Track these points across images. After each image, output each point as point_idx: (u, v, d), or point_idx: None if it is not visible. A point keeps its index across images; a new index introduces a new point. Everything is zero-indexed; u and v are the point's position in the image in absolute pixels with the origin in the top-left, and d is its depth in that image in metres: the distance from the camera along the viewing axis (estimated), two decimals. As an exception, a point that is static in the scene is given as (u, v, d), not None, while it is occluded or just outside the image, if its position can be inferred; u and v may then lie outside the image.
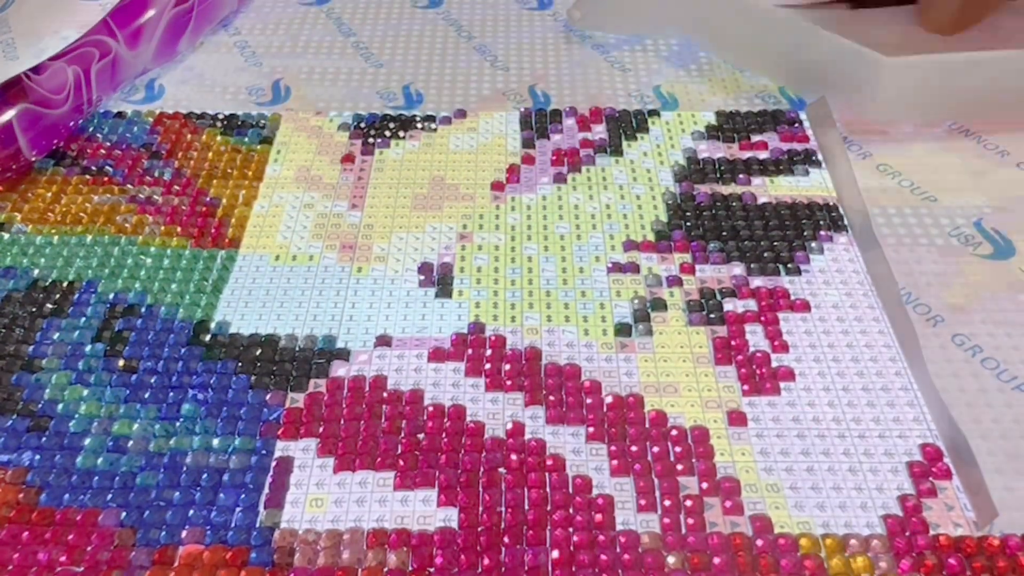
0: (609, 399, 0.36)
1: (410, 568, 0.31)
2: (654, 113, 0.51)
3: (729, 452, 0.35)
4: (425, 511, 0.33)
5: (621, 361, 0.38)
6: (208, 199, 0.45)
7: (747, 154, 0.48)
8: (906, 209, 0.45)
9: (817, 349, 0.38)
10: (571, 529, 0.32)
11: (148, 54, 0.50)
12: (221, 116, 0.50)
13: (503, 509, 0.33)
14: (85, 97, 0.47)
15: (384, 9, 0.60)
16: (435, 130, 0.50)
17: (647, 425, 0.35)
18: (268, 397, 0.36)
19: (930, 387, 0.36)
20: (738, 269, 0.42)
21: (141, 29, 0.50)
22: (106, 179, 0.46)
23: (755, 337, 0.39)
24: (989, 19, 0.49)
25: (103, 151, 0.48)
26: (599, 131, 0.50)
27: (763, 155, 0.48)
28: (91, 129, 0.49)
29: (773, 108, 0.51)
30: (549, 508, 0.33)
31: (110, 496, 0.33)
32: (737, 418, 0.36)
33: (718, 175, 0.47)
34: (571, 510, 0.33)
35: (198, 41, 0.55)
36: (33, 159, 0.45)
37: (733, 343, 0.38)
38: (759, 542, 0.32)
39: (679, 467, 0.34)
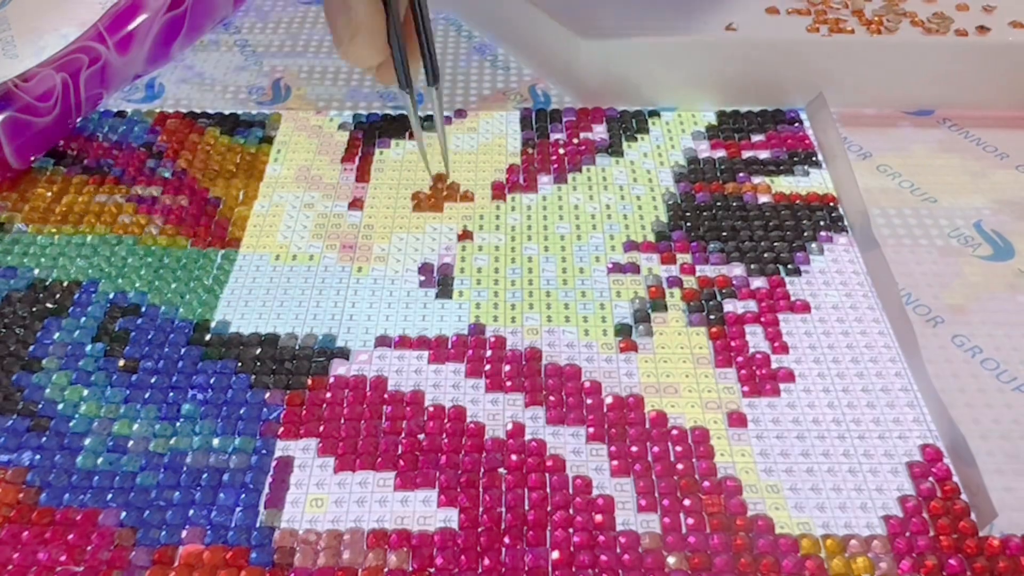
0: (609, 400, 0.36)
1: (410, 568, 0.31)
2: (654, 114, 0.51)
3: (729, 453, 0.35)
4: (425, 511, 0.33)
5: (621, 362, 0.38)
6: (208, 198, 0.45)
7: (747, 154, 0.48)
8: (906, 210, 0.45)
9: (817, 350, 0.38)
10: (571, 530, 0.32)
11: (139, 60, 0.50)
12: (221, 115, 0.50)
13: (503, 510, 0.33)
14: (73, 103, 0.46)
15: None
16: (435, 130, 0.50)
17: (647, 426, 0.35)
18: (268, 396, 0.36)
19: (930, 388, 0.36)
20: (738, 269, 0.42)
21: (132, 35, 0.49)
22: (107, 178, 0.46)
23: (755, 338, 0.39)
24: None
25: (103, 150, 0.48)
26: (599, 131, 0.50)
27: (763, 155, 0.48)
28: (91, 128, 0.49)
29: (773, 108, 0.51)
30: (549, 509, 0.33)
31: (110, 496, 0.33)
32: (737, 419, 0.36)
33: (718, 175, 0.47)
34: (571, 511, 0.33)
35: (191, 46, 0.54)
36: (16, 168, 0.45)
37: (733, 344, 0.38)
38: (760, 543, 0.32)
39: (679, 467, 0.34)
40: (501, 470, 0.34)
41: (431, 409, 0.36)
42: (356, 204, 0.45)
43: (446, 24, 0.58)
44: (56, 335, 0.39)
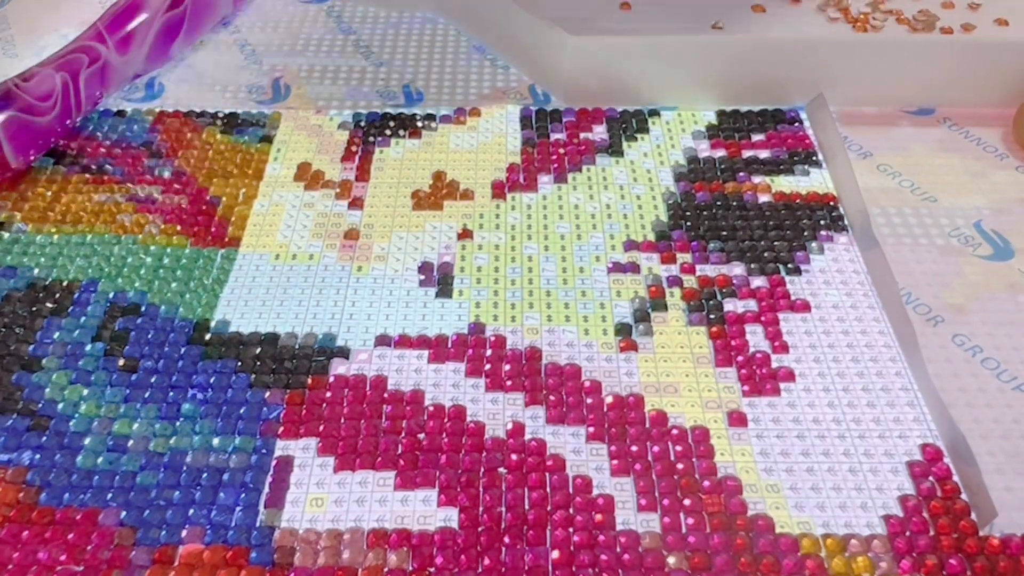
0: (609, 399, 0.36)
1: (410, 568, 0.31)
2: (654, 113, 0.51)
3: (729, 452, 0.35)
4: (425, 511, 0.33)
5: (621, 361, 0.38)
6: (208, 198, 0.45)
7: (747, 153, 0.48)
8: (906, 209, 0.45)
9: (817, 349, 0.38)
10: (571, 529, 0.32)
11: (139, 59, 0.50)
12: (221, 114, 0.50)
13: (503, 509, 0.33)
14: (73, 103, 0.46)
15: (384, 7, 0.60)
16: (435, 129, 0.50)
17: (647, 425, 0.35)
18: (268, 396, 0.36)
19: (930, 387, 0.36)
20: (738, 269, 0.42)
21: (132, 35, 0.49)
22: (106, 178, 0.46)
23: (755, 338, 0.39)
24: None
25: (103, 150, 0.48)
26: (599, 131, 0.50)
27: (763, 155, 0.48)
28: (91, 128, 0.49)
29: (773, 108, 0.51)
30: (549, 508, 0.33)
31: (110, 495, 0.33)
32: (737, 418, 0.36)
33: (718, 175, 0.47)
34: (571, 510, 0.33)
35: (191, 45, 0.54)
36: (16, 167, 0.45)
37: (733, 343, 0.38)
38: (760, 542, 0.32)
39: (679, 467, 0.34)
40: (501, 469, 0.34)
41: (431, 408, 0.36)
42: (356, 203, 0.45)
43: (445, 24, 0.58)
44: (56, 335, 0.38)
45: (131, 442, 0.35)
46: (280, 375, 0.37)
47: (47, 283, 0.41)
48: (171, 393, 0.36)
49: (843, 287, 0.41)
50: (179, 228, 0.43)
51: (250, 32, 0.57)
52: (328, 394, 0.36)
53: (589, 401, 0.36)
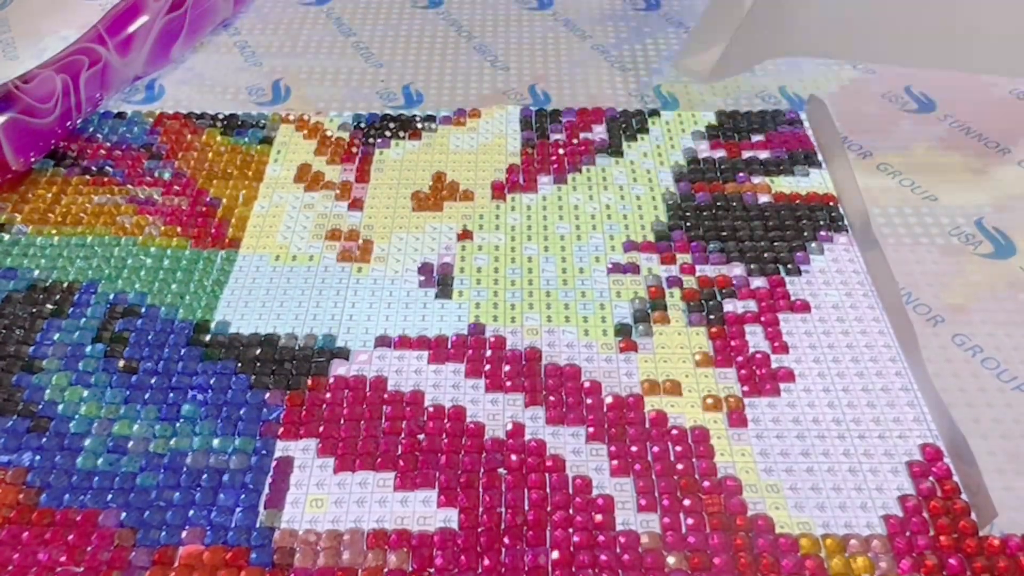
0: (609, 399, 0.36)
1: (410, 568, 0.31)
2: (654, 113, 0.51)
3: (729, 452, 0.35)
4: (425, 512, 0.33)
5: (621, 361, 0.38)
6: (208, 199, 0.45)
7: (747, 154, 0.48)
8: (906, 208, 0.45)
9: (817, 350, 0.38)
10: (571, 529, 0.32)
11: (139, 61, 0.50)
12: (221, 116, 0.50)
13: (503, 510, 0.33)
14: (73, 105, 0.47)
15: (384, 9, 0.60)
16: (435, 130, 0.50)
17: (647, 425, 0.35)
18: (268, 397, 0.36)
19: (930, 387, 0.36)
20: (738, 269, 0.42)
21: (132, 37, 0.49)
22: (106, 179, 0.46)
23: (755, 338, 0.39)
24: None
25: (103, 151, 0.48)
26: (599, 131, 0.50)
27: (763, 155, 0.48)
28: (91, 129, 0.49)
29: (773, 108, 0.51)
30: (549, 509, 0.33)
31: (110, 496, 0.33)
32: (737, 419, 0.36)
33: (718, 175, 0.47)
34: (571, 510, 0.33)
35: (191, 47, 0.55)
36: (16, 169, 0.45)
37: (733, 344, 0.38)
38: (760, 542, 0.32)
39: (679, 467, 0.34)
40: (501, 470, 0.34)
41: (431, 409, 0.36)
42: (356, 204, 0.45)
43: (446, 25, 0.58)
44: (56, 336, 0.39)
45: (131, 443, 0.35)
46: (280, 376, 0.37)
47: (47, 284, 0.41)
48: (171, 394, 0.36)
49: (843, 287, 0.41)
50: (179, 230, 0.44)
51: (250, 34, 0.58)
52: (328, 395, 0.36)
53: (589, 401, 0.36)
